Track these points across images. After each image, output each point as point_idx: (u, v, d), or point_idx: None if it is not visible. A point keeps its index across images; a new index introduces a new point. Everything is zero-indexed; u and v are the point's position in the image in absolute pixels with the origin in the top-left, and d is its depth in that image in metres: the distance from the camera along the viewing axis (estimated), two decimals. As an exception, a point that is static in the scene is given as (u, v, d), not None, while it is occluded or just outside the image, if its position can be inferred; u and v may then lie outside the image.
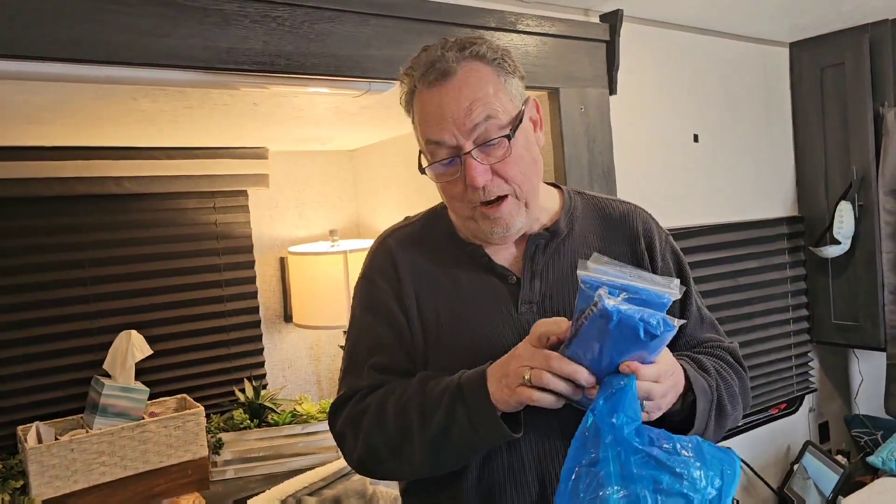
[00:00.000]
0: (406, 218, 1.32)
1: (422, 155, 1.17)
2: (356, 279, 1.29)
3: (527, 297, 1.15)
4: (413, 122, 1.17)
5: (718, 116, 2.65)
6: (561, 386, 0.94)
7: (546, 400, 0.96)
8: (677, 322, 0.91)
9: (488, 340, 1.14)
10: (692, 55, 2.57)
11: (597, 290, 0.90)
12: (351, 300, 1.31)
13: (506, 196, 1.10)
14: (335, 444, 1.23)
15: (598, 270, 0.95)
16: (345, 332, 2.75)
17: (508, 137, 1.08)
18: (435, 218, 1.27)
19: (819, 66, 2.81)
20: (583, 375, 0.93)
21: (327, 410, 2.45)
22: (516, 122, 1.10)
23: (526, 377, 0.96)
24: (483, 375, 1.03)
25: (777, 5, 2.39)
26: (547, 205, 1.22)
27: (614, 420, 0.90)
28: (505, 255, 1.19)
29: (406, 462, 1.10)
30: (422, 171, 1.13)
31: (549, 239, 1.19)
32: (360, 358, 1.22)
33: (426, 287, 1.19)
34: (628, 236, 1.23)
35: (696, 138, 2.56)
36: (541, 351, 0.96)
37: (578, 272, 0.95)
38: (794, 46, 2.88)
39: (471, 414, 1.02)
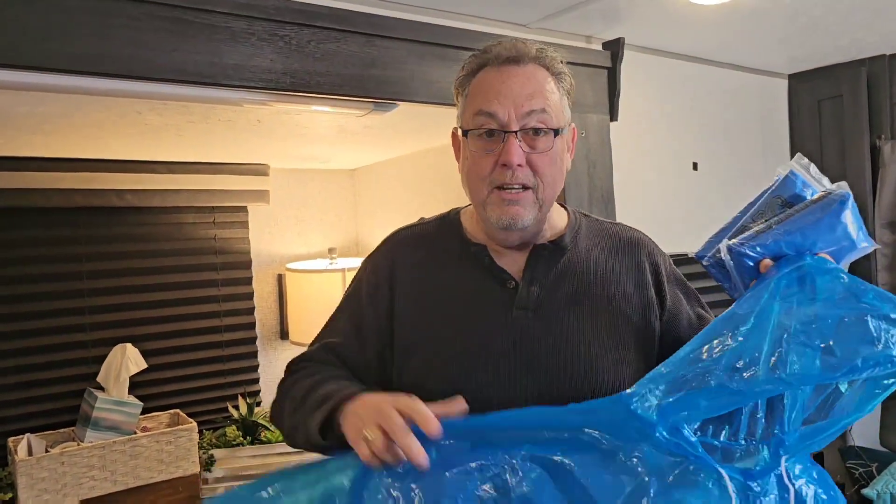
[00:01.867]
0: (421, 219, 1.34)
1: (459, 129, 1.20)
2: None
3: (522, 303, 1.15)
4: (462, 98, 1.20)
5: (717, 145, 2.67)
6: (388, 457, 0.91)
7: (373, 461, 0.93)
8: (875, 244, 1.00)
9: (479, 342, 1.14)
10: (692, 84, 2.59)
11: (802, 182, 1.03)
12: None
13: (528, 188, 1.13)
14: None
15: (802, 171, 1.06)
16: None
17: (556, 132, 1.13)
18: (447, 220, 1.29)
19: (817, 98, 2.84)
20: (419, 459, 0.89)
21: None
22: (562, 127, 1.15)
23: (369, 437, 0.92)
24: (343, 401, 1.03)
25: (776, 38, 2.43)
26: (554, 222, 1.24)
27: (843, 277, 0.93)
28: (508, 260, 1.20)
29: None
30: (464, 133, 1.16)
31: (553, 251, 1.20)
32: (324, 333, 1.32)
33: (421, 287, 1.21)
34: (633, 261, 1.25)
35: (695, 166, 2.58)
36: (398, 419, 0.92)
37: (793, 162, 1.06)
38: (792, 78, 2.92)
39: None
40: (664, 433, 0.87)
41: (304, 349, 2.83)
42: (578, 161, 2.09)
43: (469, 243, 1.22)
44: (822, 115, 2.84)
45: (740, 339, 0.90)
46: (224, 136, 2.12)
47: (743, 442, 0.90)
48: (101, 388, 2.26)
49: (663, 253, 1.30)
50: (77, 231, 2.40)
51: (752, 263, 1.01)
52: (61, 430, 2.26)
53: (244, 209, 2.74)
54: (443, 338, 1.16)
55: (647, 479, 0.88)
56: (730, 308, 0.97)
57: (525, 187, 1.12)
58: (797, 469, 0.92)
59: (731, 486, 0.86)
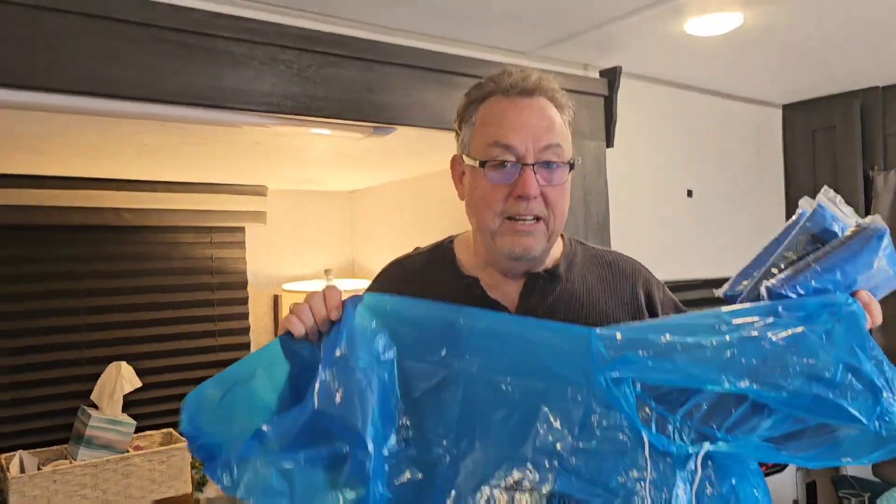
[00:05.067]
0: (416, 248, 1.34)
1: (463, 156, 1.19)
2: None
3: None
4: (467, 127, 1.19)
5: (712, 173, 2.70)
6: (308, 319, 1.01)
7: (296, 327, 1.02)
8: None
9: None
10: (688, 112, 2.62)
11: (831, 216, 1.00)
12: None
13: (540, 219, 1.14)
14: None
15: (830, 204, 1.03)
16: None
17: (571, 166, 1.15)
18: (440, 251, 1.29)
19: (811, 128, 2.87)
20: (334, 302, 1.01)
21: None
22: (573, 160, 1.17)
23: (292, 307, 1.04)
24: None
25: (771, 69, 2.46)
26: (551, 250, 1.24)
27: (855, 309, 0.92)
28: (501, 291, 1.20)
29: None
30: (481, 164, 1.14)
31: (548, 280, 1.20)
32: None
33: None
34: (628, 289, 1.25)
35: (689, 193, 2.60)
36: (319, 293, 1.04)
37: (820, 195, 1.02)
38: (786, 108, 2.95)
39: None
40: (610, 381, 0.92)
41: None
42: (574, 187, 2.09)
43: (462, 276, 1.22)
44: (815, 145, 2.87)
45: (724, 334, 0.92)
46: (223, 158, 2.13)
47: (678, 417, 0.93)
48: (95, 406, 2.25)
49: (658, 280, 1.30)
50: (75, 249, 2.40)
51: None
52: (54, 448, 2.25)
53: (241, 229, 2.75)
54: None
55: (576, 418, 0.94)
56: (737, 307, 0.97)
57: (537, 218, 1.13)
58: (719, 464, 0.94)
59: (647, 451, 0.91)
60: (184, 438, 2.30)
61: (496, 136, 1.12)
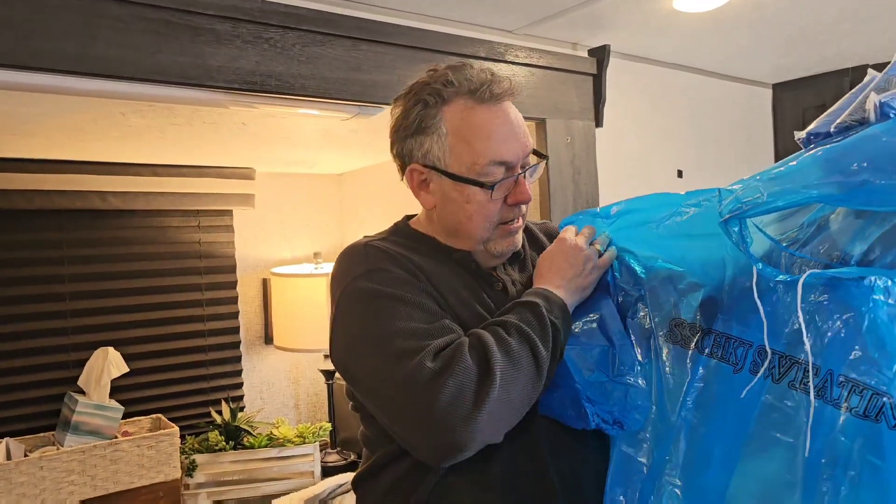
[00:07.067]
0: (366, 236, 1.26)
1: (436, 169, 1.14)
2: (344, 287, 1.13)
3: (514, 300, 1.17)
4: (433, 135, 1.12)
5: (702, 153, 2.69)
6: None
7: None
8: None
9: None
10: (678, 92, 2.61)
11: None
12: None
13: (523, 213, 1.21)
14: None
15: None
16: (325, 355, 2.70)
17: (547, 162, 1.22)
18: (409, 232, 1.27)
19: (801, 106, 2.86)
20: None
21: (305, 434, 2.43)
22: (545, 156, 1.24)
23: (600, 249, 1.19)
24: (546, 290, 1.12)
25: (762, 47, 2.44)
26: None
27: None
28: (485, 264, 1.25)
29: (529, 399, 1.04)
30: (490, 187, 1.11)
31: (513, 256, 1.26)
32: (416, 335, 1.03)
33: (441, 288, 1.14)
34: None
35: (679, 174, 2.59)
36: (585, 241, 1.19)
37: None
38: (776, 87, 2.94)
39: (563, 321, 1.10)
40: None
41: (290, 352, 2.78)
42: (564, 167, 2.09)
43: (451, 251, 1.21)
44: (805, 124, 2.83)
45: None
46: (209, 139, 2.11)
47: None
48: (82, 392, 2.23)
49: None
50: (60, 234, 2.37)
51: None
52: (41, 435, 2.23)
53: (229, 213, 2.72)
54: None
55: None
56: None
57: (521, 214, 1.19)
58: None
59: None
60: (172, 424, 2.29)
61: (491, 154, 1.10)
